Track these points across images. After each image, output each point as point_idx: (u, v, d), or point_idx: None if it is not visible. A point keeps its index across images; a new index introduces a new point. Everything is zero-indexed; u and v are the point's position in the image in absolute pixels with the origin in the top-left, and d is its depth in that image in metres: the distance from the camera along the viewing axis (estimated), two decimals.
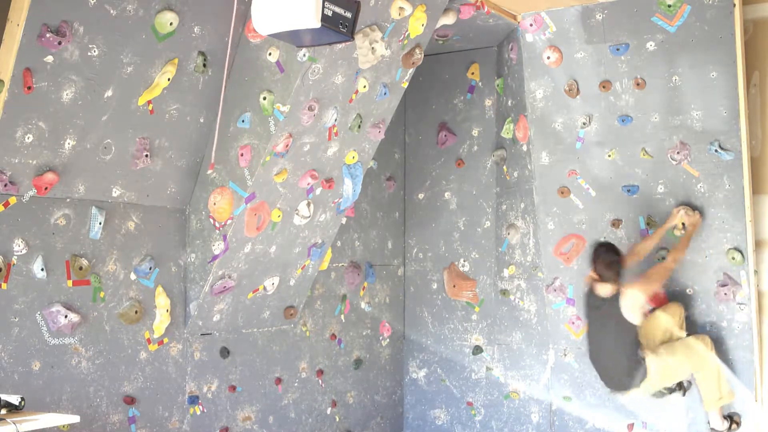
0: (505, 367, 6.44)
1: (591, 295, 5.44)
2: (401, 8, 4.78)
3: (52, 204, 4.25)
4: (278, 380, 5.67)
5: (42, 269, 4.20)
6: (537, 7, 5.58)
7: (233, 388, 5.32)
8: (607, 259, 5.32)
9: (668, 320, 5.53)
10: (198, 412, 5.08)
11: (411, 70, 5.28)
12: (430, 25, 5.12)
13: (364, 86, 4.99)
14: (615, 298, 5.28)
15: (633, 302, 5.26)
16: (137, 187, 4.60)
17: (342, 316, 6.25)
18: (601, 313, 5.39)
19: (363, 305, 6.46)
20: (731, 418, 5.58)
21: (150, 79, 4.32)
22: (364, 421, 6.46)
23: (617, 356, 5.36)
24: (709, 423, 5.58)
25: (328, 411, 6.12)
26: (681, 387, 5.56)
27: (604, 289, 5.31)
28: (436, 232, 6.75)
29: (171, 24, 4.23)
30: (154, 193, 4.71)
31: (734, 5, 5.17)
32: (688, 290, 5.72)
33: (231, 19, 4.38)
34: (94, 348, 4.49)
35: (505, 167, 6.37)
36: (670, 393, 5.52)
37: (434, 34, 5.82)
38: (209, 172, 4.76)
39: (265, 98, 4.62)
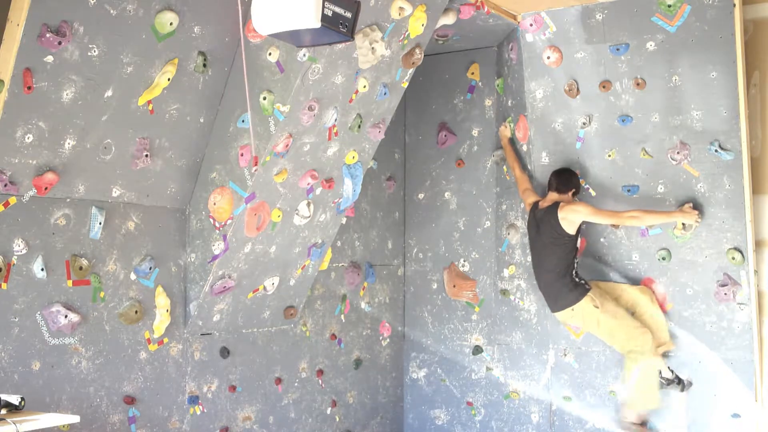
0: (505, 367, 6.44)
1: (533, 210, 5.87)
2: (401, 8, 4.78)
3: (52, 204, 4.25)
4: (278, 380, 5.67)
5: (42, 269, 4.20)
6: (537, 7, 5.58)
7: (233, 388, 5.32)
8: (566, 171, 5.87)
9: (638, 298, 5.76)
10: (198, 412, 5.09)
11: (411, 70, 5.28)
12: (430, 25, 5.12)
13: (364, 86, 4.99)
14: (553, 208, 5.68)
15: (570, 214, 5.62)
16: (137, 187, 4.60)
17: (342, 316, 6.25)
18: (538, 224, 5.78)
19: (363, 305, 6.46)
20: (678, 377, 5.69)
21: (150, 79, 4.32)
22: (364, 421, 6.46)
23: (553, 268, 5.71)
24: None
25: (328, 411, 6.12)
26: (680, 382, 5.61)
27: (545, 202, 5.79)
28: (436, 232, 6.75)
29: (171, 24, 4.23)
30: (154, 193, 4.71)
31: (734, 5, 5.17)
32: (688, 290, 5.73)
33: (233, 19, 4.38)
34: (94, 348, 4.49)
35: (505, 167, 6.36)
36: (668, 384, 5.62)
37: (434, 34, 5.82)
38: (254, 168, 4.69)
39: (265, 98, 4.62)
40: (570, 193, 5.82)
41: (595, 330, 5.73)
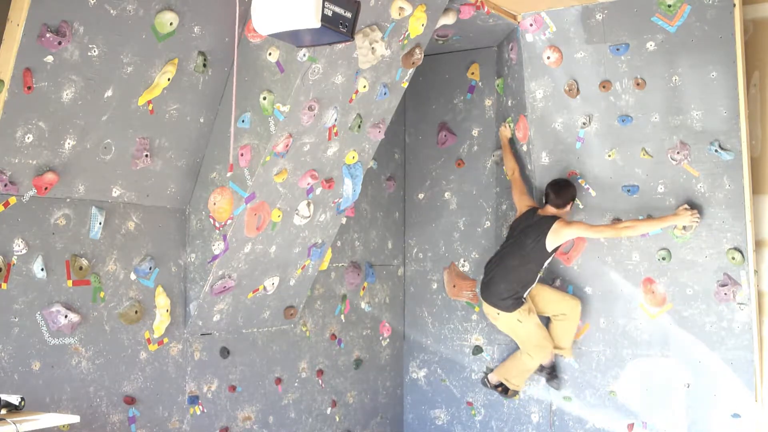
0: None
1: (531, 211, 5.91)
2: (401, 8, 4.78)
3: (52, 204, 4.25)
4: (278, 380, 5.67)
5: (42, 269, 4.20)
6: (537, 7, 5.58)
7: (233, 388, 5.32)
8: (562, 183, 5.88)
9: (569, 310, 6.00)
10: (198, 412, 5.09)
11: (411, 70, 5.28)
12: (430, 25, 5.12)
13: (364, 86, 4.99)
14: (550, 219, 5.74)
15: (561, 233, 5.71)
16: (137, 187, 4.60)
17: (342, 316, 6.25)
18: (527, 228, 5.82)
19: (363, 305, 6.46)
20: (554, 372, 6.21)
21: (150, 79, 4.32)
22: (364, 421, 6.46)
23: (513, 277, 5.82)
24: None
25: (328, 411, 6.12)
26: (553, 378, 6.18)
27: (543, 211, 5.85)
28: (436, 232, 6.75)
29: (171, 24, 4.23)
30: (154, 193, 4.71)
31: (734, 5, 5.17)
32: (688, 290, 5.73)
33: (233, 18, 4.38)
34: (94, 348, 4.49)
35: (504, 167, 6.36)
36: (542, 370, 6.17)
37: (434, 34, 5.82)
38: (228, 173, 4.73)
39: (265, 98, 4.62)
40: (569, 207, 5.87)
41: (508, 332, 6.09)
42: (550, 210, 5.84)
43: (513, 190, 6.14)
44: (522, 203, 6.03)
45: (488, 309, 5.97)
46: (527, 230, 5.81)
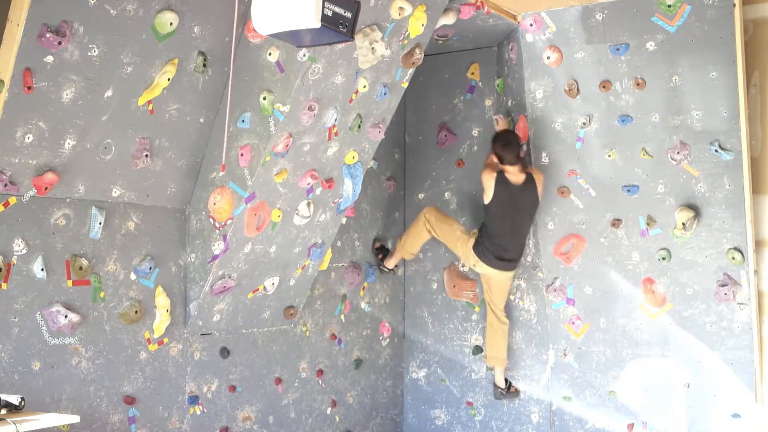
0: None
1: (502, 183, 5.83)
2: (401, 8, 4.78)
3: (52, 204, 4.26)
4: (278, 380, 5.67)
5: (42, 269, 4.20)
6: (537, 7, 5.58)
7: (233, 388, 5.32)
8: (505, 139, 5.87)
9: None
10: (198, 412, 5.09)
11: (411, 70, 5.28)
12: (430, 25, 5.12)
13: (364, 86, 4.99)
14: (528, 182, 5.84)
15: (540, 186, 5.90)
16: (137, 187, 4.60)
17: (342, 316, 6.25)
18: (516, 199, 5.85)
19: (363, 305, 6.46)
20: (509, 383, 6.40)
21: (150, 79, 4.33)
22: (364, 421, 6.46)
23: (527, 235, 6.06)
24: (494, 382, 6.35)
25: (328, 411, 6.12)
26: None
27: (515, 177, 5.83)
28: None
29: (171, 24, 4.23)
30: (154, 193, 4.71)
31: (734, 5, 5.18)
32: (688, 290, 5.74)
33: (232, 18, 4.38)
34: (94, 348, 4.49)
35: None
36: None
37: (434, 34, 5.82)
38: (221, 174, 4.74)
39: (265, 98, 4.62)
40: None
41: (504, 292, 6.21)
42: (519, 169, 5.84)
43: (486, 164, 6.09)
44: (492, 172, 5.88)
45: (508, 275, 6.10)
46: (517, 202, 5.84)
